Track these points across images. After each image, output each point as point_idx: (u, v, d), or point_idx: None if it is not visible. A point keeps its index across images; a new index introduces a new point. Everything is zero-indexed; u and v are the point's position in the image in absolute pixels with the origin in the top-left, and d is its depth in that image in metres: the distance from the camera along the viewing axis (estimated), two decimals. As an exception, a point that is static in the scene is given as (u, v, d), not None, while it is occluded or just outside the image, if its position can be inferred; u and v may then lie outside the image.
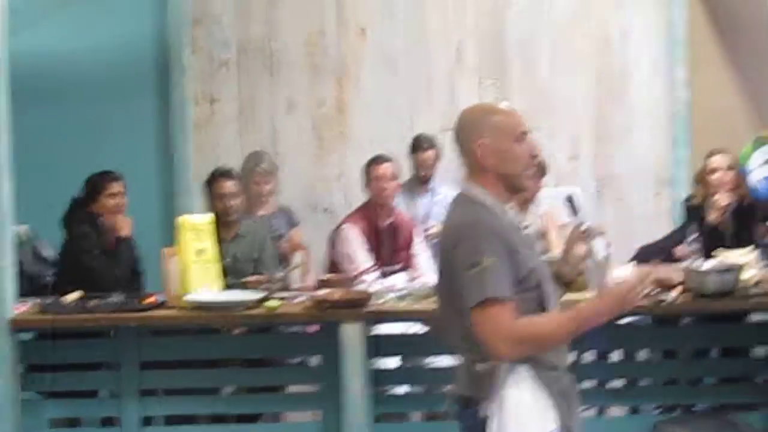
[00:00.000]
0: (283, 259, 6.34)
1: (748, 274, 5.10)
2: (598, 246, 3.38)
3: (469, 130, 3.21)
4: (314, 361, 5.62)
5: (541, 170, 6.18)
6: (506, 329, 3.04)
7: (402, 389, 5.60)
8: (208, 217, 5.40)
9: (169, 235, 5.56)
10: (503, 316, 3.04)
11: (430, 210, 6.83)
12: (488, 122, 3.20)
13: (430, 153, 6.93)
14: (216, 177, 6.08)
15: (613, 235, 7.55)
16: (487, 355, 3.08)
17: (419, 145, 6.95)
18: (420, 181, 6.94)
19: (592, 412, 5.67)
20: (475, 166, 3.21)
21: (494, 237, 3.08)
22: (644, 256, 6.04)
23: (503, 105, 3.39)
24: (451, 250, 3.12)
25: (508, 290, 3.05)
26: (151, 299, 5.30)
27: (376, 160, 6.26)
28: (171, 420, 5.43)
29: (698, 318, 5.48)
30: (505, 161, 3.19)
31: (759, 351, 5.58)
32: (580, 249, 3.44)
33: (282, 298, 5.28)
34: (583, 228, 3.44)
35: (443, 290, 3.24)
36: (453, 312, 3.17)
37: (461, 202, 3.23)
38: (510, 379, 3.11)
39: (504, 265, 3.06)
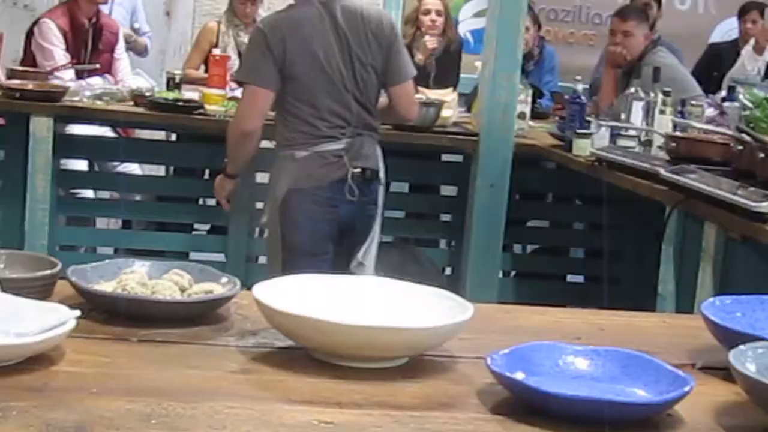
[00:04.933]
0: (-25, 51, 5.95)
1: (447, 113, 5.21)
2: None
3: None
4: (-1, 154, 5.35)
5: None
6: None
7: (89, 193, 5.43)
8: None
9: None
10: None
11: (111, 10, 6.48)
12: None
13: None
14: None
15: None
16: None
17: None
18: None
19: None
20: None
21: None
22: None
23: None
24: (388, 30, 3.88)
25: None
26: None
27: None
28: None
29: (393, 153, 5.53)
30: None
31: (447, 189, 5.76)
32: None
33: (-31, 84, 4.97)
34: None
35: (376, 67, 3.87)
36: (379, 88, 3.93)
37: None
38: None
39: None
